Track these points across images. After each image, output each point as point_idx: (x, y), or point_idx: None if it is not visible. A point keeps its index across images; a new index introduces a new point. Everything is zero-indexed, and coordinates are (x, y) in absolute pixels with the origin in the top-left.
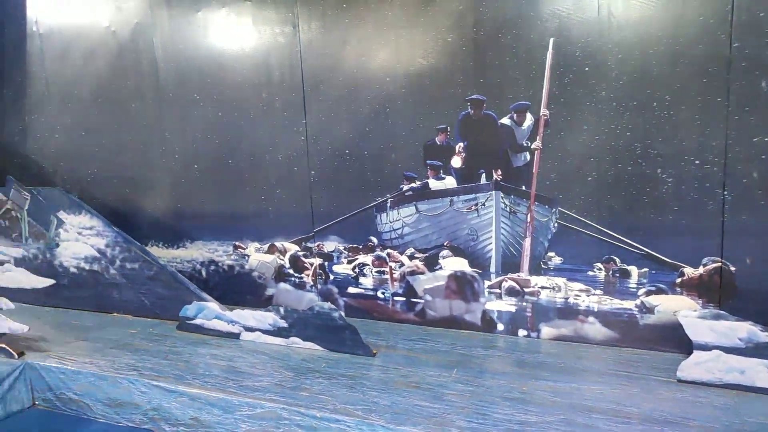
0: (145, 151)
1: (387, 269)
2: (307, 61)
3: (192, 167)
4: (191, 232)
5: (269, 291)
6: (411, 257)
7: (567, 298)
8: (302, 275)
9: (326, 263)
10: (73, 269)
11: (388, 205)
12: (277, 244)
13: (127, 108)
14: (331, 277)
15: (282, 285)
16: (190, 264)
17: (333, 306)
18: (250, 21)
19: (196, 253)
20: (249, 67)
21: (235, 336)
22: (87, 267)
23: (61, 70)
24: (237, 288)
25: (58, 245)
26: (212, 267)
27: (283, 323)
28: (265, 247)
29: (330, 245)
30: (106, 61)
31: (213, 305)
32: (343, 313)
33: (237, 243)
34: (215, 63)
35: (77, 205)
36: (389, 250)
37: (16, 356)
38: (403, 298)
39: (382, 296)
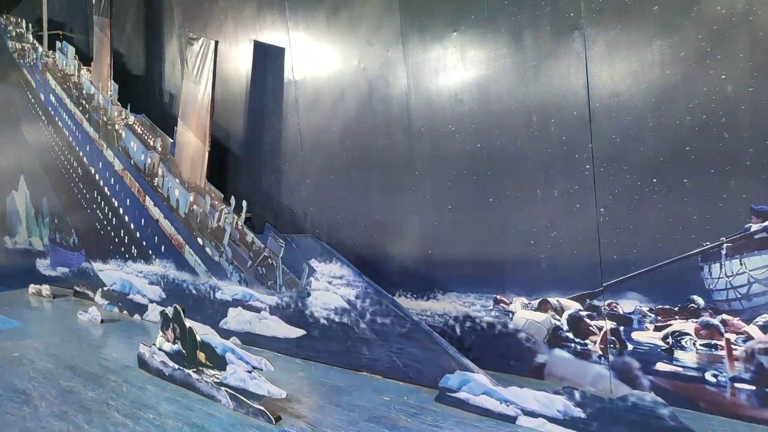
0: (393, 192)
1: (722, 343)
2: (596, 69)
3: (445, 208)
4: (444, 281)
5: (540, 358)
6: (766, 329)
7: None
8: (586, 341)
9: (621, 328)
10: (323, 320)
11: (724, 252)
12: (552, 300)
13: (375, 148)
14: (629, 346)
15: (557, 352)
16: (441, 318)
17: (659, 398)
18: (521, 32)
19: (449, 306)
20: (516, 87)
21: (510, 419)
22: (337, 319)
23: (313, 114)
24: (498, 350)
25: (309, 294)
26: (468, 323)
27: (578, 412)
28: (536, 303)
29: (628, 305)
30: (355, 101)
31: (481, 378)
32: (670, 409)
33: (499, 296)
34: (474, 88)
35: (328, 253)
36: (725, 316)
37: (274, 421)
38: (752, 387)
39: (713, 380)
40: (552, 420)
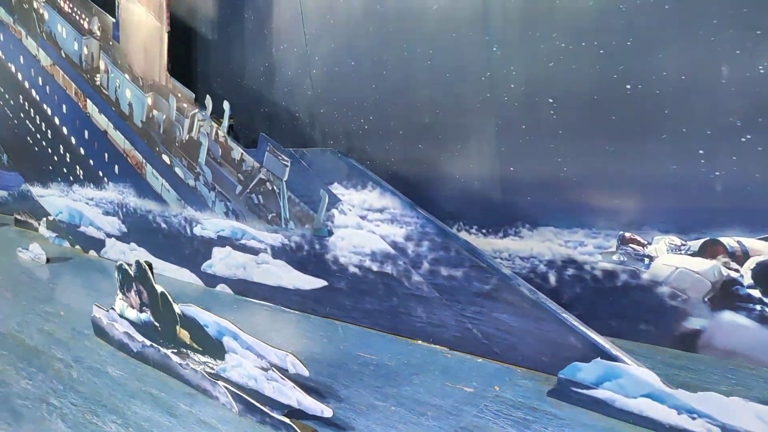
0: (453, 81)
1: None
2: None
3: (543, 103)
4: (533, 211)
5: (693, 322)
6: None
7: None
8: None
9: None
10: (353, 269)
11: None
12: (727, 240)
13: (423, 13)
14: None
15: (726, 315)
16: (526, 263)
17: None
18: None
19: (539, 245)
20: None
21: None
22: (375, 268)
23: None
24: (618, 310)
25: (331, 233)
26: (569, 270)
27: None
28: (696, 244)
29: None
30: None
31: (639, 371)
32: None
33: (629, 234)
34: None
35: (359, 175)
36: None
37: None
38: None
39: None
40: None
